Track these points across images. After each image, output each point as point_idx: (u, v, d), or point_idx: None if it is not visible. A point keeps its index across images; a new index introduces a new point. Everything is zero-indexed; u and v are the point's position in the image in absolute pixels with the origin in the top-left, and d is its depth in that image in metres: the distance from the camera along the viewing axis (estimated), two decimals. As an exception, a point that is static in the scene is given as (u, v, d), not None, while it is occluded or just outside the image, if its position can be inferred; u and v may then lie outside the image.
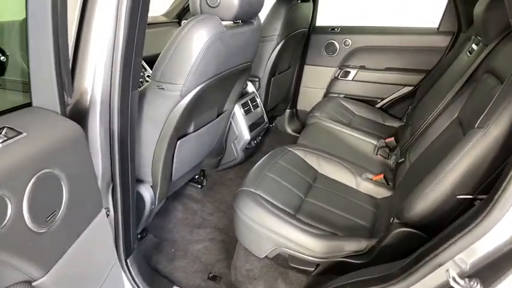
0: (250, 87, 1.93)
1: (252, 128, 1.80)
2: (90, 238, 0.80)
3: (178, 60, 1.03)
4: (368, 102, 2.35)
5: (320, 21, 2.44)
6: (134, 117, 0.93)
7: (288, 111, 2.67)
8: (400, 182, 1.36)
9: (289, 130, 2.69)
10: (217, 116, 1.48)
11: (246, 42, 1.27)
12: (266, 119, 1.98)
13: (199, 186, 1.85)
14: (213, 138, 1.56)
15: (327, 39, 2.38)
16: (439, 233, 0.75)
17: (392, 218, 1.10)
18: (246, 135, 1.75)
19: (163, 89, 1.07)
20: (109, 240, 0.95)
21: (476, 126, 0.87)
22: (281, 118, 2.67)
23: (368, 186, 1.42)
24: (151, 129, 1.14)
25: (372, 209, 1.32)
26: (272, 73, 2.02)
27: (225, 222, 1.66)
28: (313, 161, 1.50)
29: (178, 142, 1.23)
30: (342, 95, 2.44)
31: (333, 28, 2.40)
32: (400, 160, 1.49)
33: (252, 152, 1.98)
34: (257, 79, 1.97)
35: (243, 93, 1.86)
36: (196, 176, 1.84)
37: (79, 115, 0.81)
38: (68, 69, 0.74)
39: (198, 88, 1.09)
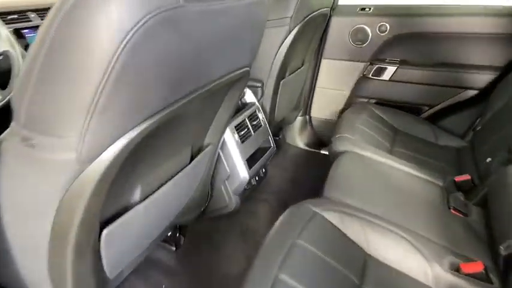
0: (249, 97, 1.30)
1: (252, 160, 1.18)
2: None
3: (60, 85, 0.41)
4: (411, 110, 1.72)
5: (344, -1, 1.78)
6: None
7: (299, 118, 2.04)
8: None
9: (300, 144, 2.07)
10: (192, 160, 0.85)
11: (235, 29, 0.64)
12: (273, 143, 1.35)
13: (173, 247, 1.24)
14: (187, 193, 0.93)
15: (354, 23, 1.72)
16: None
17: None
18: (243, 174, 1.13)
19: (33, 147, 0.45)
20: None
21: None
22: (290, 128, 2.05)
23: (455, 283, 0.81)
24: (26, 222, 0.53)
25: None
26: (281, 74, 1.38)
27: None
28: (356, 231, 0.89)
29: (103, 233, 0.62)
30: (374, 100, 1.80)
31: (363, 8, 1.74)
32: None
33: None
34: (259, 84, 1.33)
35: (239, 107, 1.23)
36: (169, 233, 1.23)
37: None
38: None
39: (122, 143, 0.47)
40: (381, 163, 1.22)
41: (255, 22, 0.71)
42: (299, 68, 1.64)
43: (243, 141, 1.13)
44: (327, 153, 2.04)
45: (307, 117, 2.05)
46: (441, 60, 1.63)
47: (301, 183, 1.72)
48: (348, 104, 1.88)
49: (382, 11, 1.70)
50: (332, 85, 1.90)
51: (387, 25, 1.67)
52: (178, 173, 0.79)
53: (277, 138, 2.00)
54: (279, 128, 1.96)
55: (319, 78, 1.92)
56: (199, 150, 0.88)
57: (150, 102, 0.49)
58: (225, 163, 1.11)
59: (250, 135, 1.19)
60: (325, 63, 1.87)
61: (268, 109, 1.39)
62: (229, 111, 0.86)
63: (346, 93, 1.87)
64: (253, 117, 1.24)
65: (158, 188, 0.74)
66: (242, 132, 1.14)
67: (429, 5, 1.66)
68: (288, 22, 1.24)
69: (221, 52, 0.63)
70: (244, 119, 1.18)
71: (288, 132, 2.05)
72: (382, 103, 1.77)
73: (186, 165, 0.82)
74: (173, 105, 0.55)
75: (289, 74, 1.51)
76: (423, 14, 1.63)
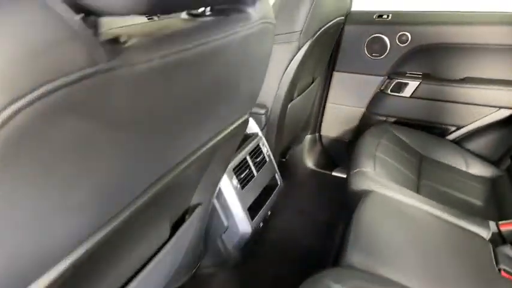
0: (251, 126, 1.10)
1: (255, 207, 0.99)
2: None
3: None
4: (436, 131, 1.51)
5: (358, 4, 1.58)
6: None
7: (308, 137, 1.84)
8: None
9: (309, 164, 1.87)
10: (175, 232, 0.66)
11: (224, 77, 0.45)
12: (280, 181, 1.16)
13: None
14: (171, 266, 0.74)
15: (370, 32, 1.52)
16: None
17: None
18: (244, 228, 0.93)
19: None
20: None
21: None
22: (298, 147, 1.85)
23: None
24: None
25: None
26: (289, 97, 1.19)
27: None
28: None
29: None
30: (393, 119, 1.60)
31: (380, 15, 1.53)
32: None
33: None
34: (263, 111, 1.14)
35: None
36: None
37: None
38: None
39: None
40: (408, 206, 1.02)
41: (256, 57, 0.52)
42: (309, 85, 1.43)
43: (243, 186, 0.94)
44: (338, 175, 1.85)
45: (317, 135, 1.85)
46: (471, 75, 1.42)
47: (312, 216, 1.52)
48: (363, 122, 1.68)
49: (403, 19, 1.49)
50: (345, 101, 1.70)
51: (408, 34, 1.46)
52: (156, 254, 0.60)
53: (283, 159, 1.81)
54: (286, 148, 1.77)
55: (330, 93, 1.72)
56: (185, 215, 0.69)
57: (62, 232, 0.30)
58: (221, 214, 0.92)
59: (253, 176, 1.00)
60: (337, 77, 1.67)
61: (273, 138, 1.19)
62: (221, 169, 0.67)
63: (361, 110, 1.67)
64: (256, 152, 1.05)
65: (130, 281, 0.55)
66: (243, 175, 0.95)
67: (458, 11, 1.44)
68: (297, 37, 1.04)
69: (203, 113, 0.44)
70: (245, 157, 0.99)
71: (296, 152, 1.85)
72: (403, 122, 1.56)
73: (166, 242, 0.63)
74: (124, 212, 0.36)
75: (298, 95, 1.31)
76: (451, 22, 1.41)
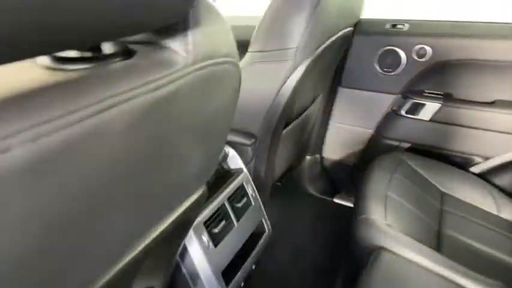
0: (234, 161, 0.89)
1: (234, 267, 0.78)
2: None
3: None
4: (459, 162, 1.29)
5: (370, 11, 1.36)
6: None
7: (308, 158, 1.63)
8: None
9: (308, 188, 1.66)
10: None
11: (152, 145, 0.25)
12: (268, 228, 0.94)
13: None
14: None
15: (383, 43, 1.30)
16: None
17: None
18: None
19: None
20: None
21: None
22: (296, 170, 1.64)
23: None
24: None
25: None
26: (282, 123, 0.98)
27: None
28: None
29: None
30: (407, 145, 1.38)
31: (395, 24, 1.31)
32: None
33: None
34: (249, 141, 0.92)
35: (218, 176, 0.83)
36: None
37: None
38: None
39: None
40: (425, 271, 0.81)
41: (203, 115, 0.31)
42: (310, 105, 1.22)
43: (217, 243, 0.73)
44: (340, 202, 1.64)
45: (318, 157, 1.64)
46: (502, 98, 1.20)
47: (309, 258, 1.31)
48: (371, 146, 1.46)
49: (422, 29, 1.27)
50: (351, 120, 1.49)
51: (428, 48, 1.24)
52: None
53: (278, 183, 1.60)
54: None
55: (334, 110, 1.51)
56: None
57: None
58: (188, 279, 0.71)
59: (232, 227, 0.79)
60: (343, 93, 1.46)
61: (263, 172, 0.98)
62: (172, 252, 0.47)
63: (369, 131, 1.46)
64: (238, 195, 0.84)
65: None
66: (217, 228, 0.74)
67: (489, 22, 1.22)
68: (293, 55, 0.83)
69: (124, 204, 0.25)
70: (221, 206, 0.78)
71: (293, 174, 1.64)
72: (418, 149, 1.34)
73: None
74: None
75: (295, 118, 1.10)
76: (479, 34, 1.19)
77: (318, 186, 1.67)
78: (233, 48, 0.31)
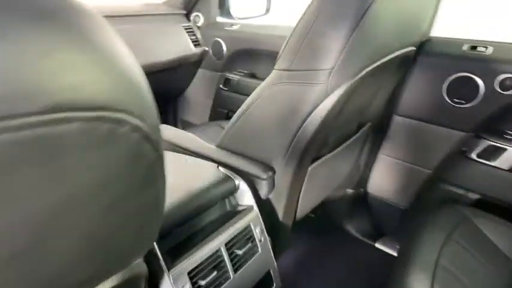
0: (242, 196, 0.75)
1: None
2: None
3: None
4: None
5: (439, 29, 1.13)
6: None
7: (349, 191, 1.42)
8: None
9: (348, 227, 1.45)
10: None
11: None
12: (276, 278, 0.78)
13: None
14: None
15: (455, 68, 1.06)
16: None
17: None
18: None
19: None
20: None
21: None
22: (332, 203, 1.44)
23: None
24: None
25: None
26: (308, 156, 0.80)
27: None
28: None
29: None
30: (475, 196, 1.11)
31: (474, 46, 1.06)
32: None
33: None
34: (265, 175, 0.77)
35: (224, 214, 0.70)
36: None
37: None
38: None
39: None
40: None
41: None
42: (353, 135, 1.03)
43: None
44: (383, 248, 1.40)
45: (362, 191, 1.42)
46: None
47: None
48: (427, 189, 1.22)
49: (511, 55, 1.01)
50: (405, 155, 1.26)
51: (518, 79, 0.98)
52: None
53: (312, 215, 1.42)
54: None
55: (385, 141, 1.29)
56: None
57: None
58: None
59: (227, 279, 0.65)
60: (398, 122, 1.24)
61: (280, 213, 0.82)
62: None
63: (426, 171, 1.21)
64: (240, 240, 0.69)
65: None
66: (206, 280, 0.61)
67: None
68: (326, 77, 0.67)
69: None
70: (216, 251, 0.64)
71: (330, 207, 1.45)
72: (489, 204, 1.07)
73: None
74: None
75: (330, 151, 0.92)
76: None
77: (357, 225, 1.45)
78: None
